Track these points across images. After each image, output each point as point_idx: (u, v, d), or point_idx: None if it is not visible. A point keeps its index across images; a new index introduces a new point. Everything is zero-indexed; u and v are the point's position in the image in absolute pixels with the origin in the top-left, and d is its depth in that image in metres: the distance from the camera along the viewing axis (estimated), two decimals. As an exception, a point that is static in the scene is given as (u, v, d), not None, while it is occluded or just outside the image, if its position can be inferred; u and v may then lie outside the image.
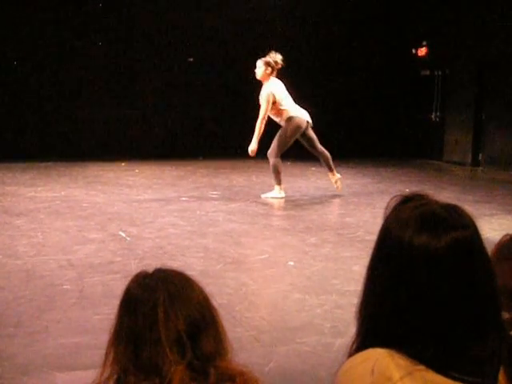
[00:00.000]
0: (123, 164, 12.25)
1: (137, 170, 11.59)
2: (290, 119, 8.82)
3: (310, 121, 8.94)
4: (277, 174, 8.98)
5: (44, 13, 12.46)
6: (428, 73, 14.51)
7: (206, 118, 13.71)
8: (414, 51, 14.74)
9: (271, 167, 9.00)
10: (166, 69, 13.39)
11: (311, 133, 9.01)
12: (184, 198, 8.97)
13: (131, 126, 13.28)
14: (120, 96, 13.15)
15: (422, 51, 14.56)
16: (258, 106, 8.83)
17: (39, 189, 9.44)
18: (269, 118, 8.88)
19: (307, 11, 13.92)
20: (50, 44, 12.58)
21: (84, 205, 8.29)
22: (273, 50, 8.96)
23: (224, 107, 13.77)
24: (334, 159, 9.29)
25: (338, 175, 9.29)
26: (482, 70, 13.20)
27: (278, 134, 8.94)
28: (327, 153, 9.14)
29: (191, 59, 13.69)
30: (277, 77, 8.93)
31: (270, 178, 10.67)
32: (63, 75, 12.71)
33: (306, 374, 3.67)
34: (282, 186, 9.08)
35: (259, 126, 8.75)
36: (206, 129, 13.69)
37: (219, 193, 9.48)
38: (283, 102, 8.83)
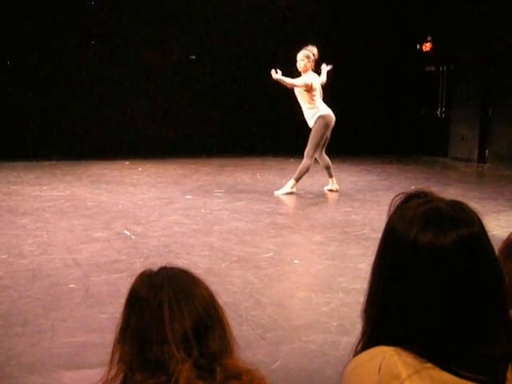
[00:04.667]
0: (127, 163, 12.25)
1: (140, 169, 11.59)
2: (320, 118, 9.05)
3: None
4: (302, 172, 9.15)
5: (46, 11, 12.46)
6: (433, 68, 14.46)
7: (209, 117, 13.70)
8: (418, 46, 14.69)
9: (302, 164, 9.14)
10: (168, 67, 13.38)
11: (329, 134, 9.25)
12: (188, 197, 8.97)
13: (135, 125, 13.28)
14: (123, 95, 13.15)
15: (427, 46, 14.51)
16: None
17: (44, 188, 9.45)
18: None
19: (311, 6, 13.89)
20: (53, 43, 12.58)
21: (88, 204, 8.30)
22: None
23: (227, 105, 13.75)
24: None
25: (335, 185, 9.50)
26: (487, 65, 13.14)
27: (311, 135, 9.14)
28: (328, 160, 9.39)
29: (193, 57, 13.68)
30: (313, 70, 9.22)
31: (275, 176, 10.69)
32: (67, 74, 12.72)
33: (313, 373, 3.66)
34: (297, 184, 9.22)
35: (290, 82, 8.99)
36: (209, 127, 13.69)
37: (224, 191, 9.47)
38: (316, 97, 9.10)
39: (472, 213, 1.30)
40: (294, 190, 9.20)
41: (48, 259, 5.74)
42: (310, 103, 9.07)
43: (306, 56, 9.11)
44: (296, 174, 9.17)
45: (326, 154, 9.37)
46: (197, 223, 7.32)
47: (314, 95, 9.04)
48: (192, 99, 13.61)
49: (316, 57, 9.15)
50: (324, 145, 9.27)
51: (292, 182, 9.20)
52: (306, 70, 9.09)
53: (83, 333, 4.09)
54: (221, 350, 1.52)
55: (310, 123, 9.14)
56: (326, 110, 9.13)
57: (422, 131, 14.61)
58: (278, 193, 9.19)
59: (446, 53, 13.93)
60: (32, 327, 4.18)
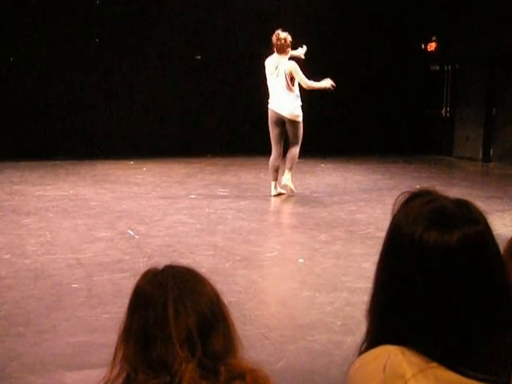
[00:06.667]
0: (131, 162, 12.26)
1: (145, 168, 11.60)
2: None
3: (283, 113, 8.64)
4: (270, 169, 8.92)
5: (49, 10, 12.48)
6: (438, 68, 14.46)
7: (213, 117, 13.70)
8: (423, 46, 14.68)
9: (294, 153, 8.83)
10: (173, 66, 13.38)
11: (290, 128, 8.75)
12: (193, 196, 8.96)
13: (139, 124, 13.28)
14: (127, 94, 13.16)
15: (432, 46, 14.50)
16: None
17: (47, 187, 9.45)
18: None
19: (317, 5, 13.88)
20: (55, 42, 12.60)
21: (92, 203, 8.30)
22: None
23: (232, 104, 13.75)
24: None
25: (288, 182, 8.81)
26: (492, 65, 13.13)
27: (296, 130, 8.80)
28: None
29: (199, 57, 13.68)
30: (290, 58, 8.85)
31: (278, 175, 10.67)
32: (70, 74, 12.72)
33: (317, 372, 3.65)
34: (276, 183, 8.89)
35: (314, 86, 8.68)
36: (214, 126, 13.69)
37: (228, 190, 9.47)
38: (269, 83, 8.78)
39: (477, 211, 1.29)
40: (272, 192, 8.80)
41: (51, 259, 5.74)
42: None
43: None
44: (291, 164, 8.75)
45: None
46: (201, 223, 7.31)
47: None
48: (197, 99, 13.60)
49: (278, 41, 8.68)
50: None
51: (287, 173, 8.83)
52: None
53: (85, 333, 4.09)
54: (225, 349, 1.51)
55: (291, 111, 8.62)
56: (270, 102, 8.71)
57: (427, 130, 14.60)
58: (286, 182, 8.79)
59: (450, 52, 13.92)
60: (34, 327, 4.18)
